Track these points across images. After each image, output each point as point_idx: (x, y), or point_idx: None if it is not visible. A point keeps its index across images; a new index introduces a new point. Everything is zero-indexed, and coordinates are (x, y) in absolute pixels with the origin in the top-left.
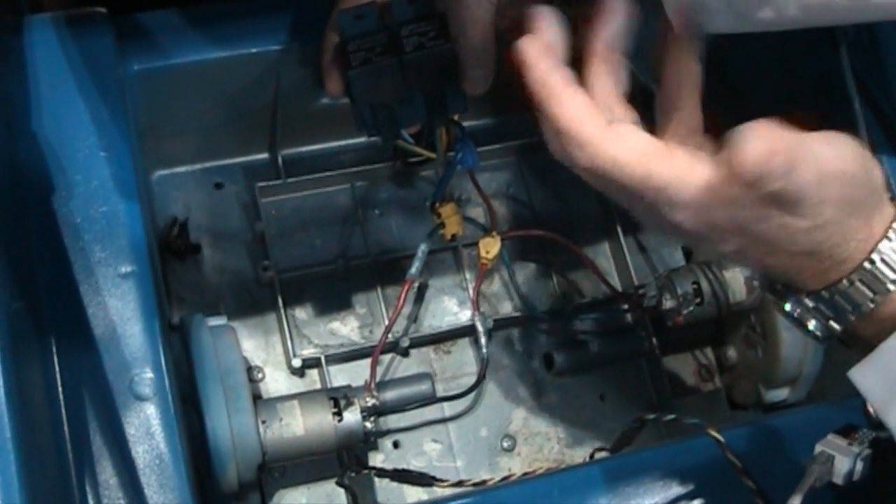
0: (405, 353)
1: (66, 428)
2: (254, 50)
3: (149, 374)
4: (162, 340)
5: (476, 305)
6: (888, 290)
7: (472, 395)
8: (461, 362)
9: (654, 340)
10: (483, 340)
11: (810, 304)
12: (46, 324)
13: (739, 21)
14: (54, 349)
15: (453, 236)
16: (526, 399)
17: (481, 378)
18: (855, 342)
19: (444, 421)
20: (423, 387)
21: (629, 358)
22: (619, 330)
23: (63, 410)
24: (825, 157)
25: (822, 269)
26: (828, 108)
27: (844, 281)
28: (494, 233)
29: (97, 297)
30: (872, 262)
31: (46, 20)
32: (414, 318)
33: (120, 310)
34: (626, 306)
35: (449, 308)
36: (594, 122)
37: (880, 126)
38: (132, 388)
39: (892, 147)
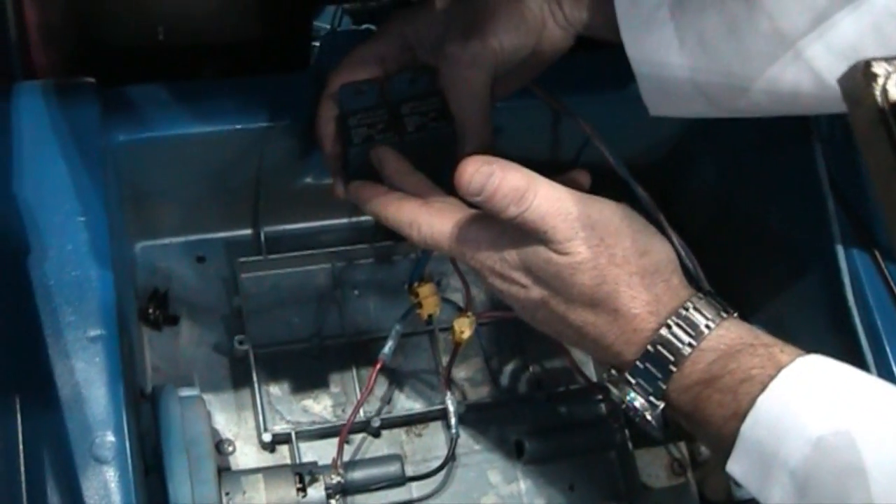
0: (376, 434)
1: (23, 486)
2: (238, 126)
3: (109, 438)
4: (125, 405)
5: (447, 383)
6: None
7: (440, 477)
8: (432, 445)
9: (627, 432)
10: (453, 421)
11: (632, 379)
12: (11, 381)
13: (713, 108)
14: (18, 407)
15: (430, 317)
16: (495, 485)
17: (449, 458)
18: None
19: (411, 503)
20: (392, 468)
21: (601, 449)
22: (591, 421)
23: (22, 468)
24: (555, 195)
25: (620, 329)
26: (801, 207)
27: (649, 347)
28: (469, 312)
29: (64, 359)
30: (669, 326)
31: (36, 87)
32: (388, 400)
33: (86, 372)
34: (599, 397)
35: (422, 391)
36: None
37: (853, 226)
38: (92, 450)
39: (864, 247)
